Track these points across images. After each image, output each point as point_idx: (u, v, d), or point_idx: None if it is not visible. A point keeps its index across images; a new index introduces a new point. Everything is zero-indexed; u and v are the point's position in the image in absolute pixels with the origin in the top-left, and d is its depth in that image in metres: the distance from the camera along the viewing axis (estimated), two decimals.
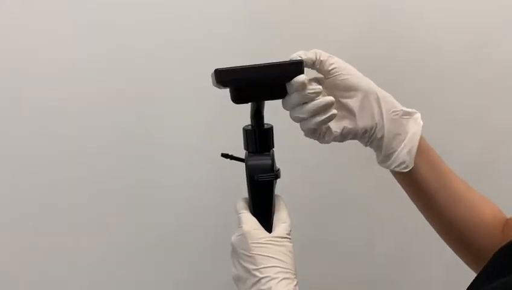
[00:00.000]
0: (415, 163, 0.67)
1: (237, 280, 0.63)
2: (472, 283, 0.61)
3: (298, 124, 0.65)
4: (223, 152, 0.69)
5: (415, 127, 0.66)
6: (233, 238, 0.63)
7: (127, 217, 1.03)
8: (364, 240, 1.15)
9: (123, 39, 0.94)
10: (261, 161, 0.65)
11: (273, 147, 0.66)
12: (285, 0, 0.98)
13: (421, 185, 0.68)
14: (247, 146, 0.66)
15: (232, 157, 0.68)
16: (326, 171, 1.08)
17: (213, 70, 0.60)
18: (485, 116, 1.09)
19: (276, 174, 0.65)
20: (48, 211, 0.99)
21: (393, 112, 0.66)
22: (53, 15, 0.91)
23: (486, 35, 1.05)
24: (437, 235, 0.74)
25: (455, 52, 1.05)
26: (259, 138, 0.65)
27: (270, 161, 0.65)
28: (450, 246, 0.72)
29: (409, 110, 0.67)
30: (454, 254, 0.73)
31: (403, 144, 0.66)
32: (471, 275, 0.65)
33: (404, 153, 0.66)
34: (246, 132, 0.66)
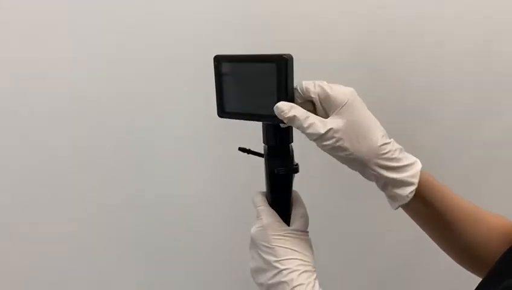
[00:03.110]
0: (409, 205, 0.63)
1: (255, 271, 0.63)
2: (482, 281, 0.61)
3: None
4: (241, 146, 0.69)
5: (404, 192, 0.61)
6: (253, 230, 0.63)
7: (127, 219, 1.03)
8: (378, 230, 1.14)
9: (121, 41, 0.94)
10: (281, 154, 0.66)
11: (292, 141, 0.67)
12: (284, 5, 0.99)
13: (418, 217, 0.67)
14: (266, 140, 0.67)
15: (250, 152, 0.68)
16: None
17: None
18: (491, 116, 1.10)
19: (296, 168, 0.66)
20: (48, 212, 0.98)
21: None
22: (52, 15, 0.91)
23: (491, 35, 1.05)
24: None
25: (460, 53, 1.06)
26: (279, 132, 0.65)
27: (290, 155, 0.66)
28: (462, 265, 0.69)
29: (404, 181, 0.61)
30: None
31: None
32: None
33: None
34: (266, 126, 0.66)
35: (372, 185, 0.64)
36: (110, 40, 0.94)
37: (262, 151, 0.68)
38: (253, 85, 0.63)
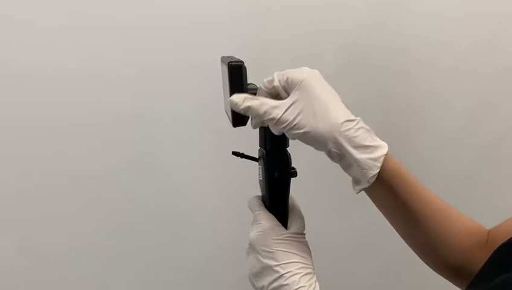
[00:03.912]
0: (373, 190, 0.61)
1: (255, 276, 0.62)
2: (473, 279, 0.61)
3: None
4: (234, 150, 0.68)
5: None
6: (253, 235, 0.63)
7: (127, 219, 1.03)
8: (375, 232, 1.13)
9: (121, 41, 0.94)
10: (279, 158, 0.65)
11: (288, 145, 0.67)
12: (284, 5, 0.99)
13: (382, 205, 0.65)
14: (264, 144, 0.66)
15: (243, 156, 0.68)
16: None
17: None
18: (491, 112, 1.10)
19: (294, 172, 0.65)
20: (49, 212, 0.99)
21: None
22: (52, 15, 0.91)
23: (492, 35, 1.05)
24: None
25: (460, 53, 1.06)
26: (277, 136, 0.64)
27: (289, 158, 0.66)
28: (430, 266, 0.67)
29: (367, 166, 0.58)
30: None
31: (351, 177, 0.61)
32: None
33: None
34: (264, 129, 0.66)
35: None
36: (110, 40, 0.94)
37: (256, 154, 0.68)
38: (225, 86, 0.64)
